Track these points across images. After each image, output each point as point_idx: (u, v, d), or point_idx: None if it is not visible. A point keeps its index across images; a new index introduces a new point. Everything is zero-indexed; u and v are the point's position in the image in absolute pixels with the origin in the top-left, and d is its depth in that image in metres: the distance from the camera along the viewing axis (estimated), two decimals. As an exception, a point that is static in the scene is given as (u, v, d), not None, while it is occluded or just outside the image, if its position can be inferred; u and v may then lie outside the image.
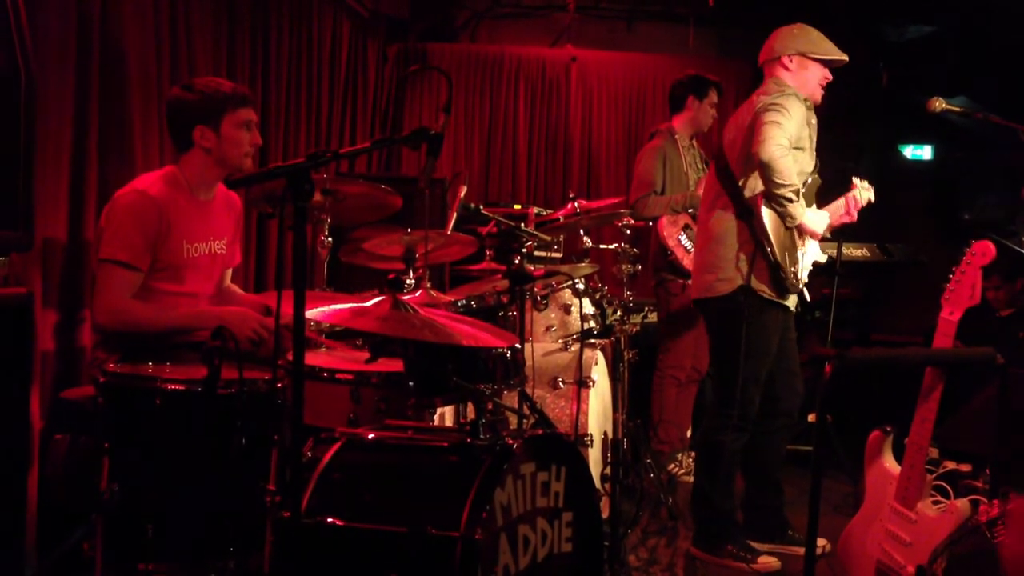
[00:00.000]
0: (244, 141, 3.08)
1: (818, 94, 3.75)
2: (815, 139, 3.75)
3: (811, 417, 5.19)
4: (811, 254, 3.75)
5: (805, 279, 3.70)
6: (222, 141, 3.05)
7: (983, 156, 6.80)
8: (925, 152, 7.44)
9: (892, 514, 2.69)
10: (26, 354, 2.38)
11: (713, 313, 3.78)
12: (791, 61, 3.69)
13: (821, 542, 3.53)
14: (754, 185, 3.62)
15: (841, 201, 3.84)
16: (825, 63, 3.72)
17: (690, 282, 4.09)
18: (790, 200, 3.50)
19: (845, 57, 3.73)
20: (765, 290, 3.62)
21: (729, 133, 3.77)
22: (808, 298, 3.81)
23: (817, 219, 3.66)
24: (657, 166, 5.01)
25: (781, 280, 3.60)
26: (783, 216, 3.56)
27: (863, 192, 3.89)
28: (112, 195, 3.04)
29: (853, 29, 6.45)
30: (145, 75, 3.88)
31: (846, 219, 3.85)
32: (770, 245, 3.56)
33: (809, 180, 3.67)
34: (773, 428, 3.83)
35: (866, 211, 3.92)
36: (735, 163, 3.69)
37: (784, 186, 3.47)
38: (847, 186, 3.92)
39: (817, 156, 3.77)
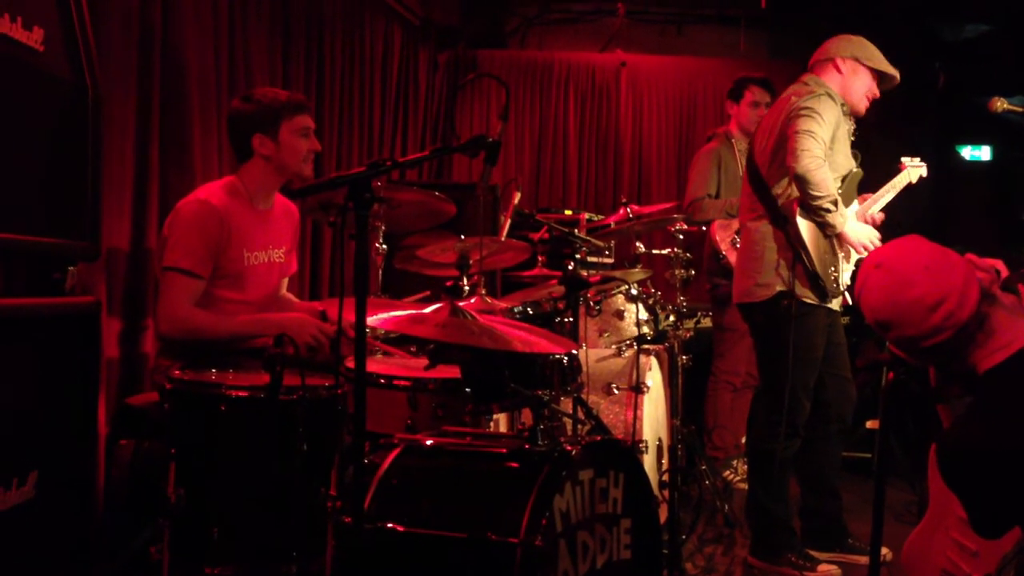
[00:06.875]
0: (302, 147, 3.14)
1: (863, 105, 3.70)
2: (850, 142, 3.69)
3: (870, 424, 5.12)
4: (855, 259, 3.69)
5: (847, 282, 3.64)
6: (281, 148, 3.11)
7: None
8: (983, 153, 7.30)
9: (958, 522, 2.63)
10: (93, 361, 2.44)
11: (757, 319, 3.74)
12: (844, 63, 3.66)
13: (883, 551, 3.46)
14: (788, 191, 3.57)
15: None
16: (877, 75, 3.68)
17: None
18: (828, 211, 3.46)
19: (896, 74, 3.68)
20: (808, 294, 3.58)
21: (760, 138, 3.73)
22: (851, 302, 3.73)
23: (860, 232, 3.58)
24: (711, 169, 4.99)
25: (822, 287, 3.56)
26: (823, 226, 3.52)
27: (913, 170, 3.84)
28: (173, 205, 3.11)
29: (909, 29, 6.36)
30: (204, 86, 3.95)
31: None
32: (806, 252, 3.52)
33: (849, 175, 3.63)
34: (826, 434, 3.77)
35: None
36: (766, 169, 3.64)
37: (821, 197, 3.43)
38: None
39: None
